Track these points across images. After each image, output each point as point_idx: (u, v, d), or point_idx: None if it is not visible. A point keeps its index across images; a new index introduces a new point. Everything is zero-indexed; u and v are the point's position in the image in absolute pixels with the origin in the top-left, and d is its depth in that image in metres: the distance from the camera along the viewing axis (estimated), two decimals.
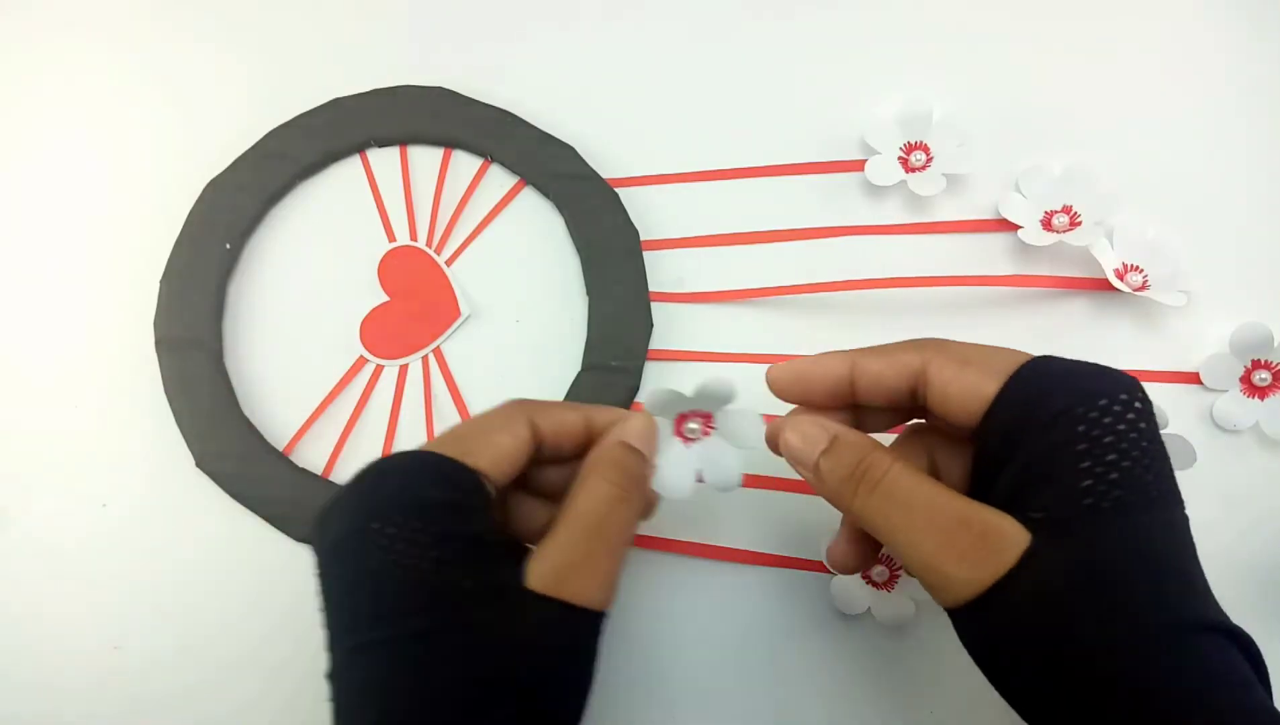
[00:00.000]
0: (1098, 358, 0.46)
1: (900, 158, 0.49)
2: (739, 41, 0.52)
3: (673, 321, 0.49)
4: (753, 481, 0.47)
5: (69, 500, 0.47)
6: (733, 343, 0.49)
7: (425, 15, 0.52)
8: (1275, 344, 0.45)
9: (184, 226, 0.49)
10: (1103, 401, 0.32)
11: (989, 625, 0.32)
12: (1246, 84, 0.50)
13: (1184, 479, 0.44)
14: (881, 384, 0.36)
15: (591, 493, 0.36)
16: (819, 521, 0.46)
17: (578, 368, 0.48)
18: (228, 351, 0.48)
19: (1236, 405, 0.46)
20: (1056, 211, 0.48)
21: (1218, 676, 0.30)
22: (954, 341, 0.36)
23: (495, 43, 0.52)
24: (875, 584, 0.45)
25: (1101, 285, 0.46)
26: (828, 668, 0.46)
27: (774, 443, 0.38)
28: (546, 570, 0.34)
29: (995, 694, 0.33)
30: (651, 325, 0.48)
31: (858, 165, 0.50)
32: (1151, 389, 0.46)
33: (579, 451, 0.38)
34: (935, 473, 0.38)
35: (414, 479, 0.34)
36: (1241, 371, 0.46)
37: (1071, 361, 0.35)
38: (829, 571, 0.45)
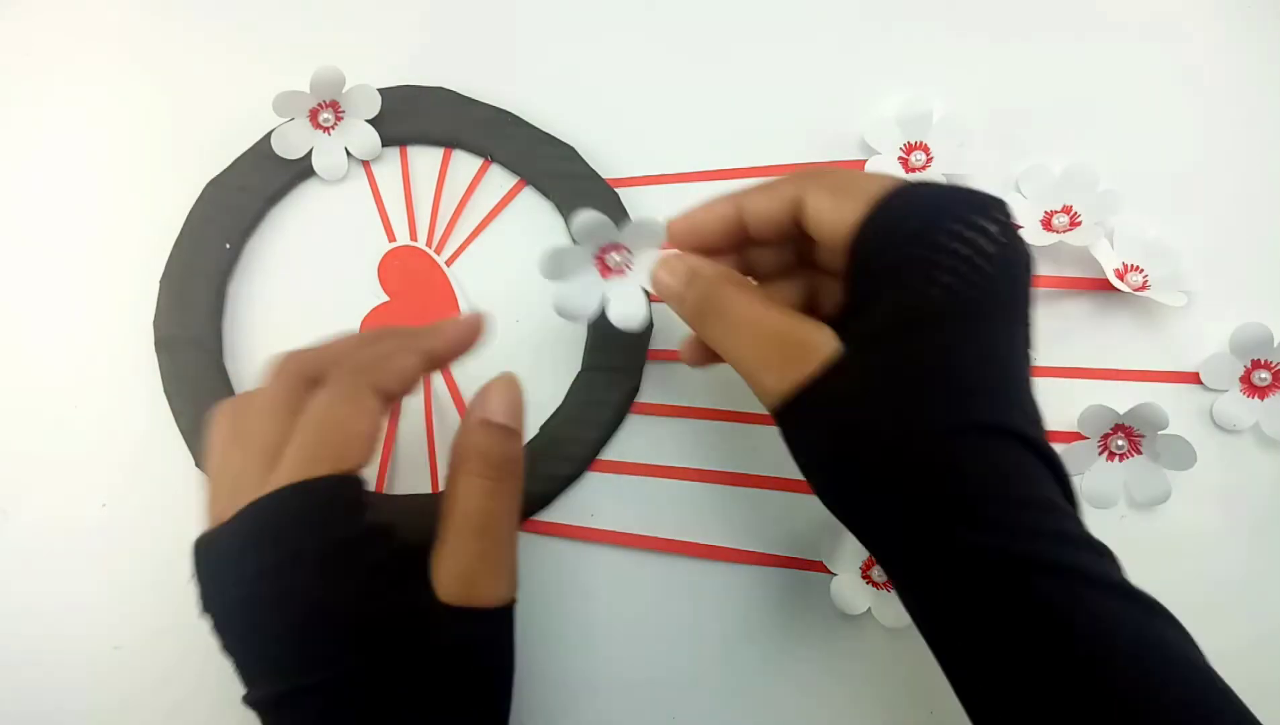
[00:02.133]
0: (1098, 357, 0.47)
1: (900, 158, 0.49)
2: (739, 41, 0.52)
3: (672, 322, 0.49)
4: (753, 481, 0.47)
5: (68, 500, 0.47)
6: None
7: (425, 15, 0.52)
8: (1275, 344, 0.45)
9: (184, 226, 0.48)
10: (951, 223, 0.33)
11: (797, 428, 0.35)
12: (1247, 84, 0.50)
13: (1184, 479, 0.45)
14: (766, 219, 0.38)
15: (469, 492, 0.36)
16: (819, 521, 0.46)
17: (578, 368, 0.48)
18: (227, 351, 0.48)
19: (1236, 405, 0.46)
20: (1056, 212, 0.48)
21: (998, 474, 0.31)
22: (832, 170, 0.38)
23: (495, 42, 0.52)
24: (875, 584, 0.45)
25: (1102, 285, 0.46)
26: (827, 668, 0.46)
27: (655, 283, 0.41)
28: (452, 582, 0.35)
29: None
30: (651, 325, 0.48)
31: (858, 165, 0.50)
32: (1152, 389, 0.47)
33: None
34: (817, 306, 0.40)
35: (310, 515, 0.34)
36: (1241, 371, 0.46)
37: (941, 186, 0.36)
38: (829, 571, 0.45)
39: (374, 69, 0.50)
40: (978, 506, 0.31)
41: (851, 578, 0.45)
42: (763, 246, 0.40)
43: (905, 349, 0.33)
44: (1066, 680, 0.30)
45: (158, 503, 0.47)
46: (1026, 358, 0.34)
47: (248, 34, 0.52)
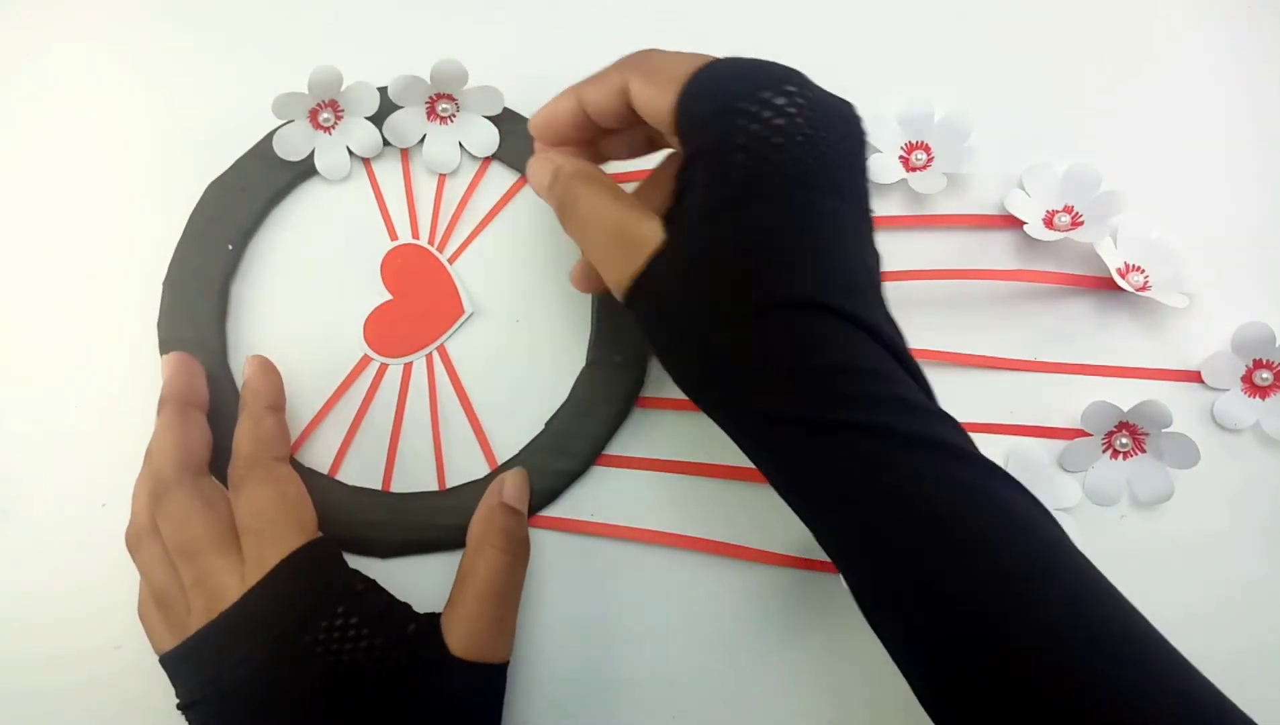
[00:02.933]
0: (1100, 355, 0.47)
1: (901, 157, 0.49)
2: (740, 39, 0.52)
3: None
4: (759, 475, 0.47)
5: (68, 500, 0.47)
6: None
7: (424, 10, 0.52)
8: (1277, 344, 0.45)
9: (186, 228, 0.48)
10: (742, 102, 0.34)
11: (641, 317, 0.37)
12: (1249, 84, 0.51)
13: (1184, 477, 0.45)
14: (603, 108, 0.39)
15: (490, 563, 0.42)
16: None
17: (582, 363, 0.48)
18: (231, 352, 0.48)
19: (1238, 404, 0.46)
20: (1058, 211, 0.48)
21: (801, 345, 0.33)
22: (656, 51, 0.39)
23: (494, 38, 0.52)
24: None
25: (1105, 283, 0.47)
26: (830, 666, 0.46)
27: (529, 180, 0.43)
28: (467, 639, 0.40)
29: None
30: None
31: None
32: (1153, 387, 0.47)
33: None
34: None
35: (350, 579, 0.41)
36: (1243, 371, 0.46)
37: (740, 62, 0.36)
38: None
39: (374, 68, 0.49)
40: (777, 377, 0.33)
41: None
42: (614, 135, 0.42)
43: (710, 232, 0.34)
44: (879, 534, 0.32)
45: None
46: (848, 230, 0.35)
47: (248, 34, 0.52)
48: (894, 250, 0.48)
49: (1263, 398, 0.46)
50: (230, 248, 0.48)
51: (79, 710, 0.45)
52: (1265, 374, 0.45)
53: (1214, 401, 0.46)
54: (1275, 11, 0.51)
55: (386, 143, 0.50)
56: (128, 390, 0.47)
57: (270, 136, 0.48)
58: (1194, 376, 0.47)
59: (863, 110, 0.50)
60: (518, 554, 0.43)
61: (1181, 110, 0.50)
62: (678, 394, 0.47)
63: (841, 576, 0.36)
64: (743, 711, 0.46)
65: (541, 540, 0.47)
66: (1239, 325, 0.46)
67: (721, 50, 0.51)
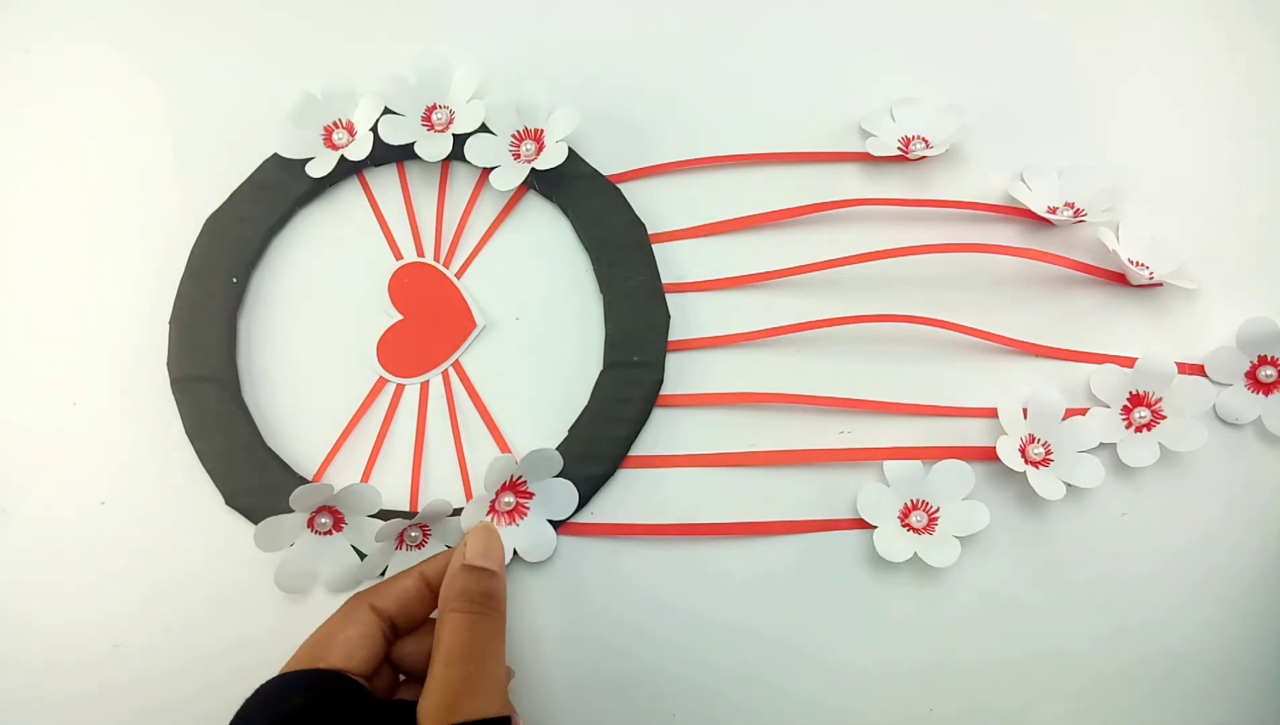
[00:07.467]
0: (1104, 346, 0.48)
1: (900, 148, 0.49)
2: (741, 37, 0.50)
3: (690, 311, 0.49)
4: (783, 457, 0.47)
5: (68, 498, 0.47)
6: (752, 324, 0.49)
7: (421, 16, 0.50)
8: None
9: (187, 264, 0.47)
10: None
11: None
12: (1252, 79, 0.50)
13: (1185, 471, 0.46)
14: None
15: (451, 628, 0.40)
16: (851, 483, 0.47)
17: (599, 368, 0.48)
18: (245, 386, 0.48)
19: (1240, 400, 0.46)
20: (1060, 207, 0.48)
21: None
22: None
23: (490, 39, 0.50)
24: (915, 530, 0.45)
25: (1108, 274, 0.47)
26: (859, 638, 0.46)
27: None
28: (435, 709, 0.37)
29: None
30: (669, 317, 0.48)
31: (863, 157, 0.50)
32: None
33: (432, 608, 0.43)
34: None
35: (279, 698, 0.38)
36: (1248, 366, 0.46)
37: None
38: (869, 525, 0.46)
39: (372, 76, 0.48)
40: None
41: (891, 527, 0.45)
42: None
43: None
44: None
45: (157, 501, 0.47)
46: None
47: (234, 66, 0.50)
48: (899, 242, 0.49)
49: (1266, 394, 0.46)
50: (234, 281, 0.48)
51: (77, 708, 0.46)
52: (1269, 371, 0.46)
53: (1217, 395, 0.47)
54: (1277, 8, 0.50)
55: (381, 161, 0.49)
56: (126, 388, 0.48)
57: (263, 166, 0.47)
58: (1197, 370, 0.47)
59: (864, 99, 0.50)
60: (482, 612, 0.41)
61: (1186, 106, 0.50)
62: (698, 389, 0.48)
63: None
64: (796, 692, 0.46)
65: (574, 547, 0.47)
66: (1245, 320, 0.46)
67: (718, 51, 0.50)
